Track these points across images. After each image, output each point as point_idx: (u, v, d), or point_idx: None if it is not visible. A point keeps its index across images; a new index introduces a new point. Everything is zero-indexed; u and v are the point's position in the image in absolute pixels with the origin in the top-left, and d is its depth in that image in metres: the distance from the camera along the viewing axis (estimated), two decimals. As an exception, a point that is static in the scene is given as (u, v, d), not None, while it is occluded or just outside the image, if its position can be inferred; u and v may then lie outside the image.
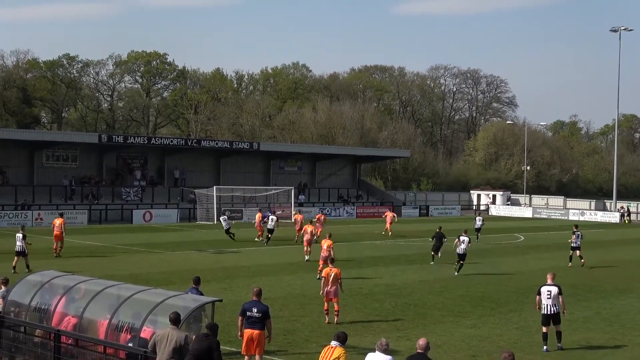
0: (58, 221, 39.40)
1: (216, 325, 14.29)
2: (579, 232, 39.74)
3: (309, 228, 39.65)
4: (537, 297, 20.85)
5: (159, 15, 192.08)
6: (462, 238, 35.05)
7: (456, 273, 34.61)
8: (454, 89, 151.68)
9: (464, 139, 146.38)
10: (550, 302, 20.47)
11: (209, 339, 13.80)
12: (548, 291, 20.57)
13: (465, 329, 22.64)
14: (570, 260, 39.44)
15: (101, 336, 15.50)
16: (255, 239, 49.06)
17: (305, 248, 39.09)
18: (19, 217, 57.46)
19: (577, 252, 39.35)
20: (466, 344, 20.73)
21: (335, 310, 23.06)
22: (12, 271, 31.40)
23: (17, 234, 33.44)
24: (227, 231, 48.60)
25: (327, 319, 23.05)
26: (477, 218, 54.91)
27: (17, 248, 33.14)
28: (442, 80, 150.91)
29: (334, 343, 13.41)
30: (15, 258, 32.97)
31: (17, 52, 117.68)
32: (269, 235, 46.66)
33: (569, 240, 40.00)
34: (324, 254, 31.17)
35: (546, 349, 20.19)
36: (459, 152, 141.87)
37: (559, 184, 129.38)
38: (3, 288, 18.83)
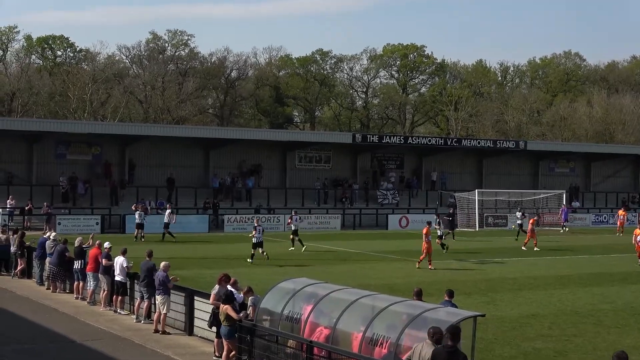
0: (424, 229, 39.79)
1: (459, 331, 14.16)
2: (438, 220, 48.47)
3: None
4: None
5: (416, 4, 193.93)
6: None
7: None
8: None
9: None
10: None
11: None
12: None
13: None
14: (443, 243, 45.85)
15: (354, 349, 15.77)
16: (523, 248, 48.51)
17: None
18: (271, 221, 59.67)
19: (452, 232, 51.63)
20: None
21: None
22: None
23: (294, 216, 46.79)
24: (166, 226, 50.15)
25: None
26: None
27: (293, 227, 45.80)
28: None
29: None
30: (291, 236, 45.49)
31: (269, 49, 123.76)
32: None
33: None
34: None
35: None
36: None
37: None
38: (252, 297, 19.60)
